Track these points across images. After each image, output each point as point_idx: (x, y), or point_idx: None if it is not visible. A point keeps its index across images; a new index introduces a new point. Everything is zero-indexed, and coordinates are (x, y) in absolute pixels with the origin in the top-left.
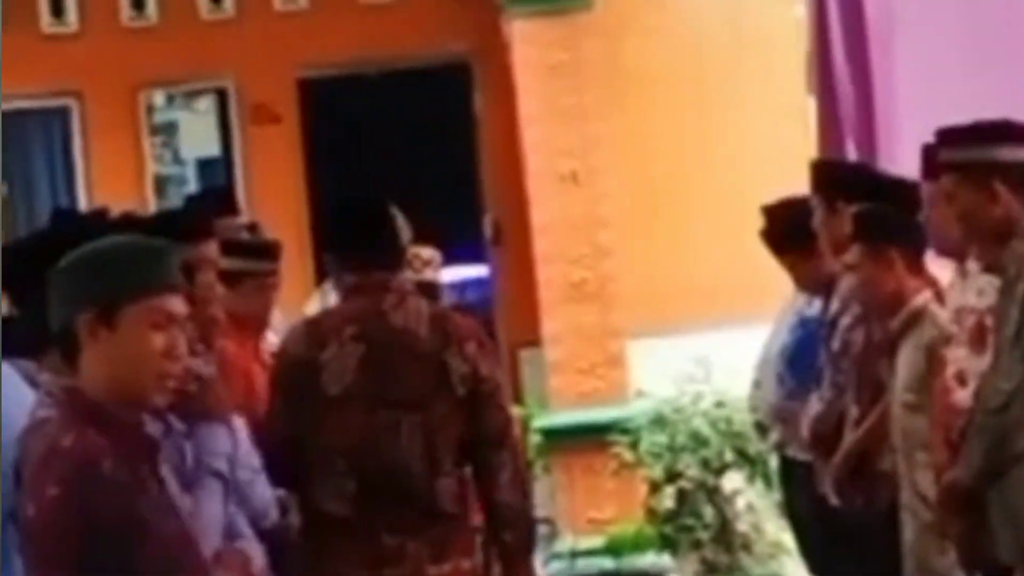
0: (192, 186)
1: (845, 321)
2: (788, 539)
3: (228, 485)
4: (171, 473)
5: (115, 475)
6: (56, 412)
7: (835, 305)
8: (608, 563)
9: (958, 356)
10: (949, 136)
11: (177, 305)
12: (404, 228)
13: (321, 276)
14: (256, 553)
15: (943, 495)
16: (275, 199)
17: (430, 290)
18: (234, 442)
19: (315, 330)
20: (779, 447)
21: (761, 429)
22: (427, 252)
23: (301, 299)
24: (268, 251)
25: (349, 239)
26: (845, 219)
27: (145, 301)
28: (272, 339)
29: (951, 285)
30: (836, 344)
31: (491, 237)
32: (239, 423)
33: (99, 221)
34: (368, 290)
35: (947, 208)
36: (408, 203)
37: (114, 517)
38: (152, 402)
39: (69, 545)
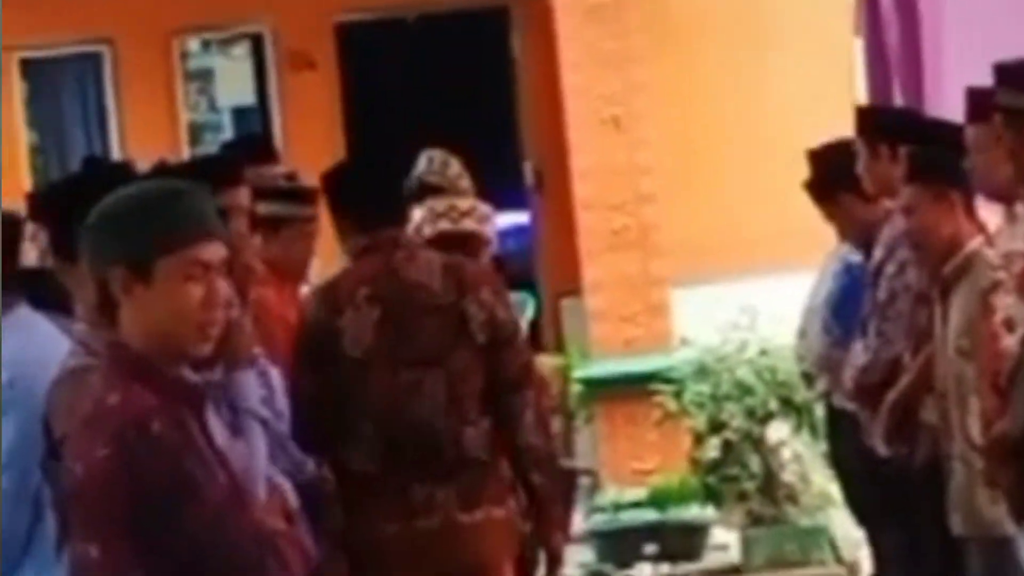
0: (227, 134)
1: (890, 269)
2: (834, 490)
3: (267, 427)
4: (218, 422)
5: (164, 434)
6: (98, 366)
7: (879, 252)
8: (651, 515)
9: (1006, 302)
10: (1005, 75)
11: (214, 252)
12: (462, 176)
13: None
14: (291, 494)
15: (991, 446)
16: (312, 147)
17: (467, 241)
18: (268, 387)
19: (331, 295)
20: (825, 396)
21: (807, 378)
22: (465, 203)
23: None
24: (305, 196)
25: (354, 200)
26: (895, 161)
27: (180, 252)
28: (307, 290)
29: (999, 230)
30: (882, 293)
31: (532, 184)
32: (273, 371)
33: (129, 171)
34: (379, 248)
35: (996, 150)
36: (447, 150)
37: (164, 478)
38: (194, 353)
39: (120, 505)
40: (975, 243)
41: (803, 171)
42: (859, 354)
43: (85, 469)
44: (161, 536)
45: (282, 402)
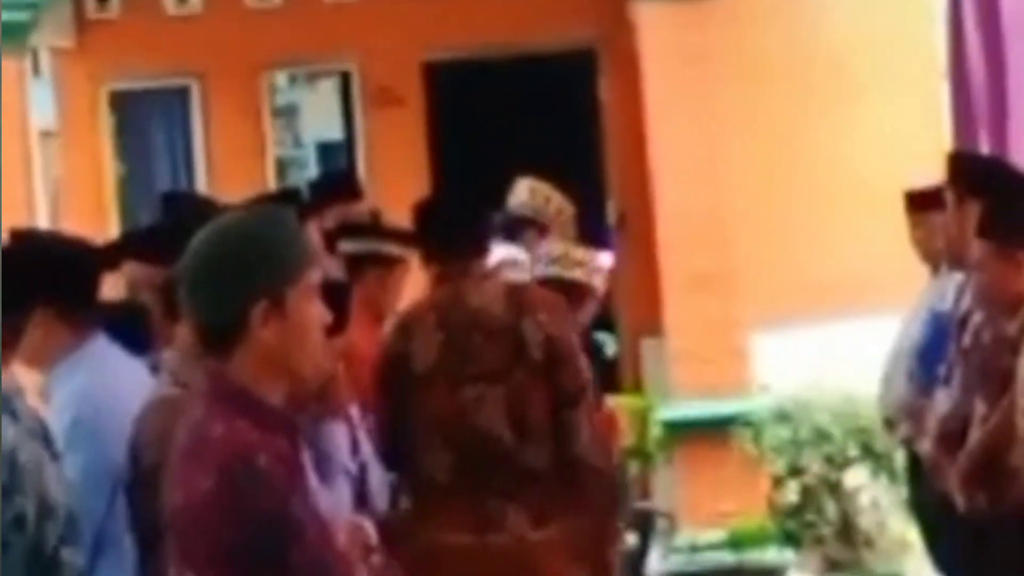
0: (312, 170)
1: (977, 318)
2: (913, 536)
3: (355, 483)
4: (309, 463)
5: (271, 469)
6: (189, 396)
7: (967, 301)
8: (729, 557)
9: None
10: None
11: (318, 276)
12: (562, 212)
13: None
14: (372, 529)
15: None
16: (398, 184)
17: (572, 289)
18: (355, 438)
19: (404, 322)
20: (907, 442)
21: (889, 424)
22: (580, 253)
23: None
24: (392, 234)
25: (431, 231)
26: (972, 214)
27: (303, 279)
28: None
29: None
30: (967, 341)
31: (615, 224)
32: (357, 418)
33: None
34: (449, 278)
35: None
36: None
37: (269, 513)
38: (310, 383)
39: (222, 539)
40: None
41: (887, 216)
42: (942, 401)
43: (186, 500)
44: (263, 572)
45: (366, 449)
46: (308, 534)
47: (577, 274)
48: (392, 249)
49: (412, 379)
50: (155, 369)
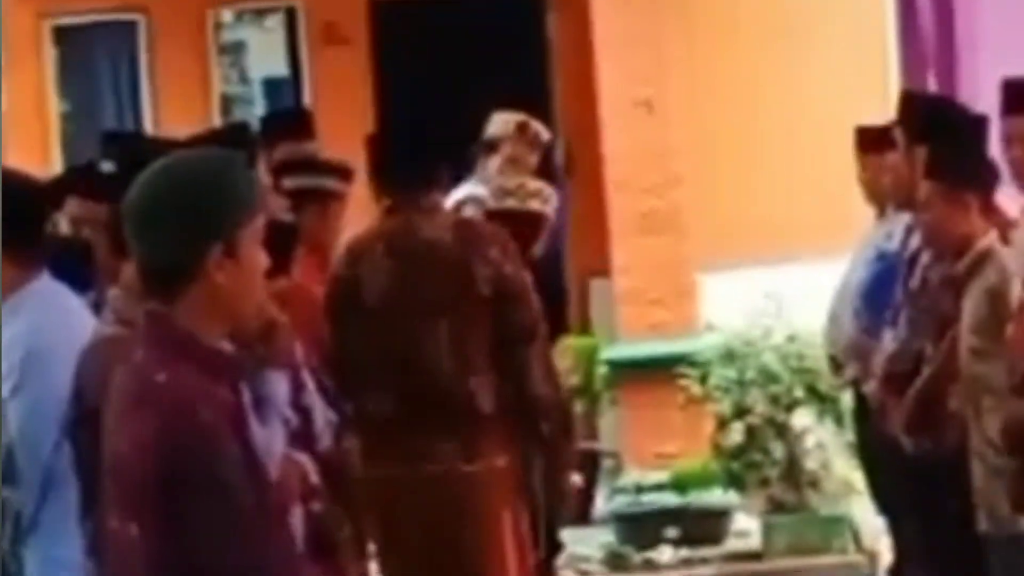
0: (259, 106)
1: (925, 259)
2: (857, 478)
3: (297, 429)
4: (251, 406)
5: (212, 423)
6: (134, 337)
7: (915, 241)
8: (673, 498)
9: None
10: None
11: (264, 218)
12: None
13: None
14: (311, 467)
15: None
16: (343, 122)
17: (531, 220)
18: (297, 384)
19: (353, 249)
20: (853, 384)
21: (835, 363)
22: (535, 184)
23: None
24: (330, 169)
25: (381, 165)
26: (921, 155)
27: (253, 222)
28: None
29: (1018, 224)
30: (915, 281)
31: (563, 164)
32: (301, 357)
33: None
34: (400, 209)
35: None
36: (479, 127)
37: (208, 467)
38: (253, 323)
39: (159, 489)
40: (986, 241)
41: (835, 158)
42: (889, 342)
43: (128, 447)
44: (199, 523)
45: (311, 398)
46: (246, 483)
47: (534, 205)
48: (330, 183)
49: (360, 307)
50: (97, 307)
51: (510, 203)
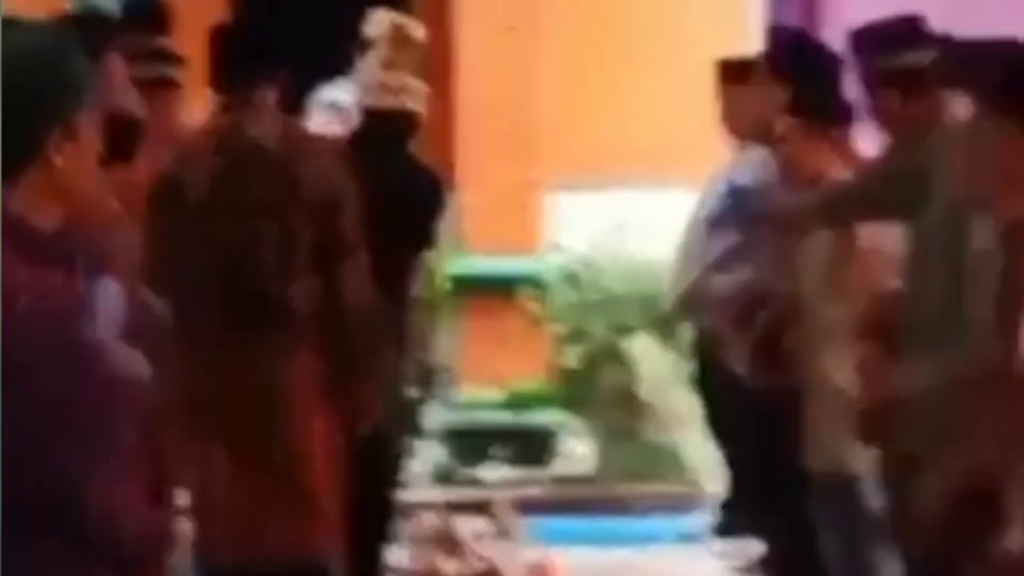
0: None
1: (777, 193)
2: (692, 410)
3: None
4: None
5: (29, 311)
6: None
7: (767, 175)
8: (505, 417)
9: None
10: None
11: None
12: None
13: None
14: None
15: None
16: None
17: (395, 119)
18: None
19: (181, 147)
20: (697, 317)
21: (681, 300)
22: (411, 82)
23: None
24: (168, 57)
25: (216, 60)
26: (783, 89)
27: (93, 105)
28: None
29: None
30: (763, 216)
31: None
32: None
33: None
34: (232, 107)
35: None
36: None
37: (22, 361)
38: (90, 209)
39: None
40: (840, 178)
41: (693, 87)
42: (735, 277)
43: None
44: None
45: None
46: (68, 377)
47: (409, 104)
48: (174, 73)
49: (183, 206)
50: None
51: (388, 101)
